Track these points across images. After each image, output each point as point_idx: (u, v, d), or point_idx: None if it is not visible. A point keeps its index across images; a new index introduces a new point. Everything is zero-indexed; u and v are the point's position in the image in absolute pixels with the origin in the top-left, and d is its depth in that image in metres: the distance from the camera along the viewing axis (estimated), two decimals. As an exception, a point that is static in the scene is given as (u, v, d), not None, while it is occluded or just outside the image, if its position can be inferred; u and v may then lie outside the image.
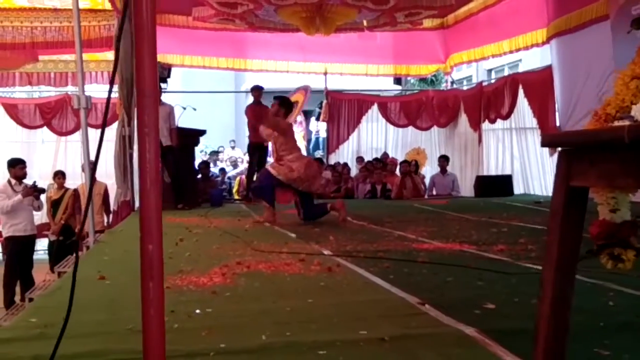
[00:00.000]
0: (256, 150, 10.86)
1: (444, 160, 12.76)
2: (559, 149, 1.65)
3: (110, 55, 11.07)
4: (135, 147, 8.75)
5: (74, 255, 8.06)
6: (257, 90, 10.98)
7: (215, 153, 17.31)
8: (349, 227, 6.88)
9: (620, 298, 3.15)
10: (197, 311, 3.08)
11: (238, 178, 14.02)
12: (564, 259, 1.56)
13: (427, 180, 12.88)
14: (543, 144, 1.57)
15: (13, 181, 9.40)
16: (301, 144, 18.77)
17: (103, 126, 2.38)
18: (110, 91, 2.32)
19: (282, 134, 7.18)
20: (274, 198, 7.34)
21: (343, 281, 3.80)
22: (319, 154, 16.19)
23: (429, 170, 13.86)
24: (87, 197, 2.35)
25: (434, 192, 12.56)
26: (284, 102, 7.57)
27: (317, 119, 16.47)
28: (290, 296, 3.40)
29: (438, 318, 2.85)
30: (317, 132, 17.74)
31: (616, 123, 1.46)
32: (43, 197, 10.04)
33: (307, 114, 19.77)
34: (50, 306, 3.32)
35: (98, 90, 13.72)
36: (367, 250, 5.04)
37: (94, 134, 10.79)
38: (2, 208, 9.26)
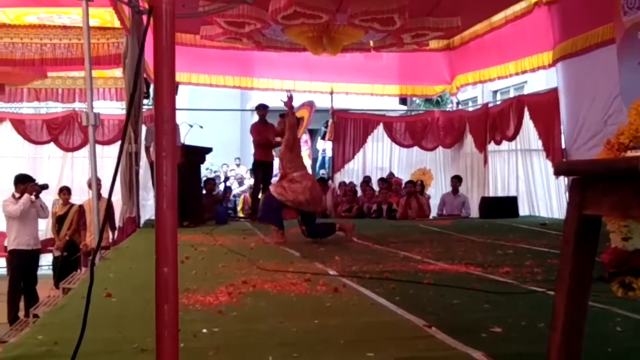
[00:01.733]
0: (260, 167, 10.81)
1: (456, 180, 12.67)
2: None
3: (118, 72, 11.08)
4: (142, 163, 8.78)
5: (83, 271, 8.07)
6: (262, 109, 10.98)
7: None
8: (354, 247, 6.86)
9: (627, 323, 3.13)
10: (204, 330, 3.07)
11: (242, 196, 14.00)
12: (576, 286, 1.55)
13: (432, 201, 12.79)
14: (557, 173, 1.57)
15: (17, 194, 9.41)
16: (307, 162, 18.81)
17: (122, 144, 2.42)
18: (129, 113, 2.36)
19: (290, 143, 7.20)
20: (282, 220, 7.35)
21: (349, 302, 3.79)
22: (323, 173, 16.21)
23: (433, 192, 13.81)
24: (105, 213, 2.40)
25: (444, 212, 12.50)
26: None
27: (323, 138, 16.46)
28: (297, 316, 3.39)
29: (445, 341, 2.84)
30: (324, 151, 17.78)
31: (629, 153, 1.46)
32: (49, 206, 10.06)
33: (313, 133, 19.79)
34: (57, 323, 3.31)
35: (105, 107, 13.74)
36: (372, 270, 5.02)
37: (100, 150, 10.81)
38: (12, 212, 9.22)
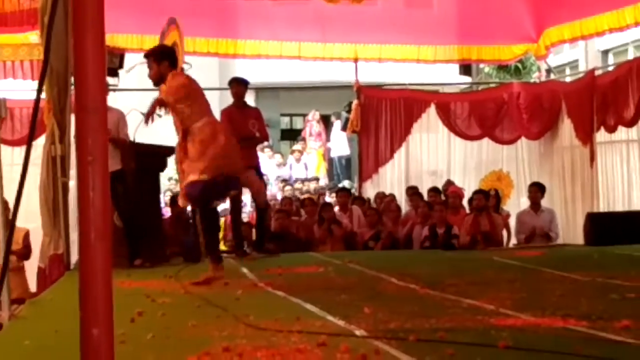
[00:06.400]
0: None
1: (537, 190, 12.65)
2: None
3: (34, 37, 11.00)
4: (72, 173, 8.71)
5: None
6: (237, 85, 10.77)
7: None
8: (393, 294, 6.83)
9: None
10: None
11: (222, 219, 13.75)
12: None
13: (513, 220, 12.75)
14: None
15: None
16: (322, 168, 18.48)
17: (29, 145, 2.39)
18: (39, 91, 2.31)
19: (185, 99, 7.56)
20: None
21: (385, 378, 3.69)
22: (347, 184, 16.08)
23: (515, 204, 13.78)
24: (5, 249, 2.38)
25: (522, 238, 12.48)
26: (162, 54, 7.89)
27: (344, 128, 16.25)
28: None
29: None
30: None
31: None
32: None
33: (328, 120, 19.50)
34: None
35: (16, 89, 13.70)
36: (420, 328, 5.00)
37: (9, 154, 10.70)
38: None
